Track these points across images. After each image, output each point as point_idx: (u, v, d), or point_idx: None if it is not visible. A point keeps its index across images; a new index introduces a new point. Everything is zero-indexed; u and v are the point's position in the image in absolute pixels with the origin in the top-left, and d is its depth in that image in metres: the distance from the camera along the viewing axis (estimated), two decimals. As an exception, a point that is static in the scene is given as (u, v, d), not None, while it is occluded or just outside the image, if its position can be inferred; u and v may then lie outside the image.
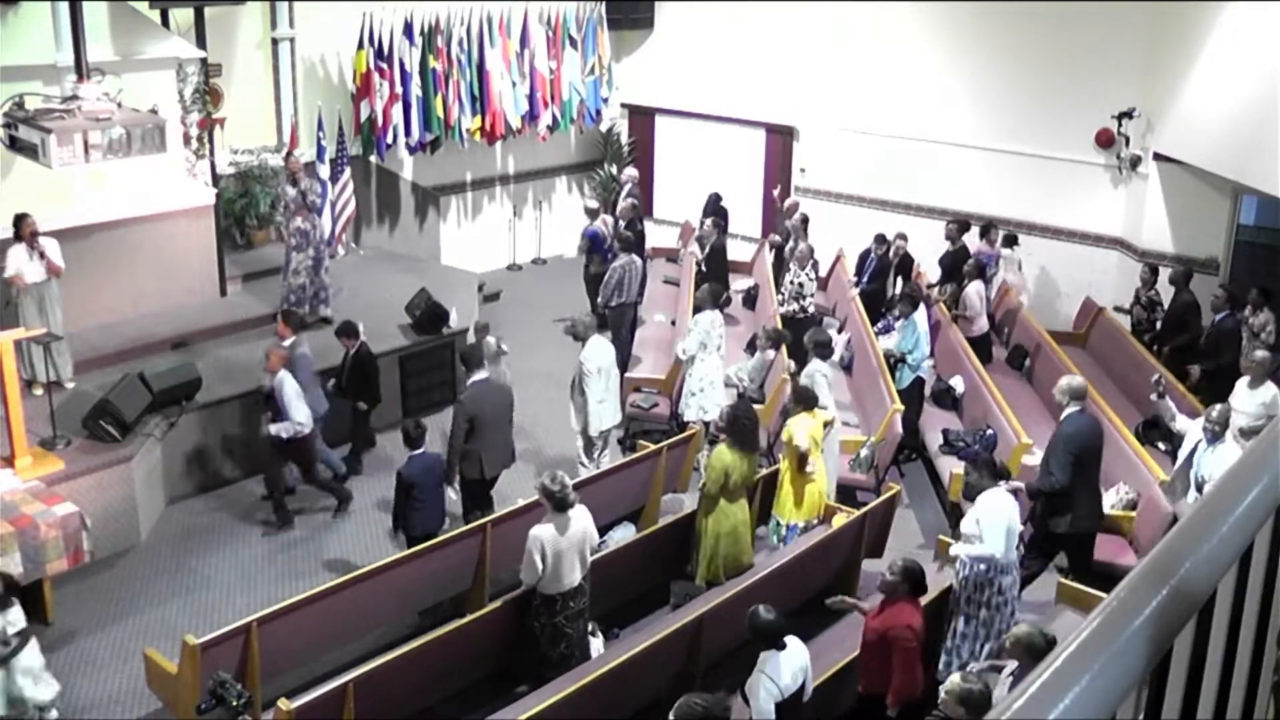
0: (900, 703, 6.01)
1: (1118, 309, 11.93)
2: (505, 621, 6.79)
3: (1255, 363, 8.68)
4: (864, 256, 13.14)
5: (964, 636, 6.77)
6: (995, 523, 6.59)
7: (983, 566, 6.68)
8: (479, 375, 8.31)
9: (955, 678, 5.07)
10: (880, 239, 12.89)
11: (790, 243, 12.40)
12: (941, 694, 5.00)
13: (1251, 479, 1.60)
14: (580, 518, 6.62)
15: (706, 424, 9.48)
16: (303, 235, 10.94)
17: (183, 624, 7.68)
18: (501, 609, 6.80)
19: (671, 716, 4.80)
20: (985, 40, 13.52)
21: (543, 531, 6.46)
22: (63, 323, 9.36)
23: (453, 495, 8.13)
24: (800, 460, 7.74)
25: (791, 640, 5.72)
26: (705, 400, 9.65)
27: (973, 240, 12.74)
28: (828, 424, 8.24)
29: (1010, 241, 12.74)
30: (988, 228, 12.77)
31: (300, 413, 8.52)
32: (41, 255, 9.10)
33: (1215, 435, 7.55)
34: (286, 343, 9.03)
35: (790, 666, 5.62)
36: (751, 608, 5.70)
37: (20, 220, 9.07)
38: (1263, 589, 1.67)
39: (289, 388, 8.53)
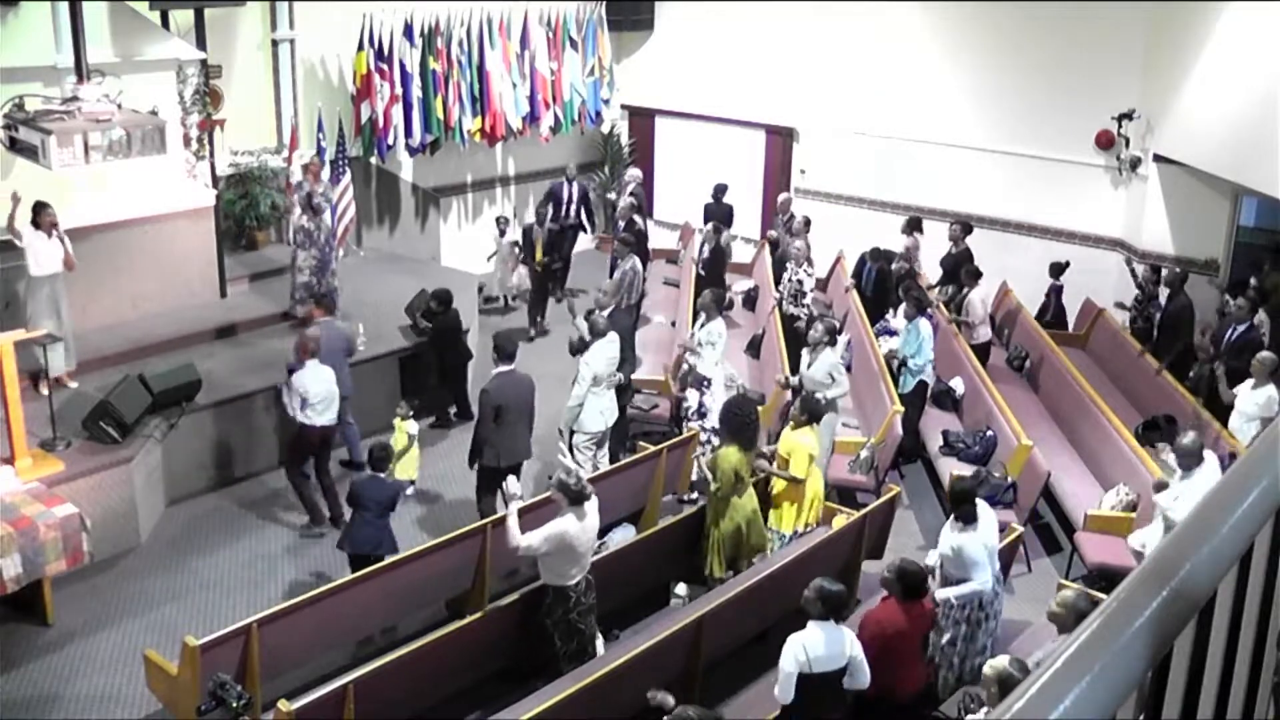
0: None
1: (1119, 305, 11.90)
2: (506, 622, 6.80)
3: (1258, 362, 8.68)
4: (860, 264, 13.09)
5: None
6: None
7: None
8: (504, 367, 8.36)
9: (1002, 659, 5.04)
10: (876, 253, 12.80)
11: (786, 240, 12.37)
12: (986, 669, 5.00)
13: (1251, 480, 1.60)
14: (594, 512, 6.68)
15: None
16: (306, 235, 10.98)
17: (183, 625, 7.68)
18: (502, 609, 6.80)
19: None
20: (985, 41, 13.53)
21: (568, 524, 6.50)
22: (69, 320, 9.34)
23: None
24: (791, 479, 7.81)
25: (842, 626, 5.73)
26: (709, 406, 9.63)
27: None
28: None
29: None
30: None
31: (292, 403, 8.61)
32: (62, 242, 9.09)
33: (1187, 467, 7.43)
34: (322, 320, 9.32)
35: (833, 645, 5.63)
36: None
37: (41, 209, 9.02)
38: (1263, 590, 1.66)
39: (297, 379, 8.56)
